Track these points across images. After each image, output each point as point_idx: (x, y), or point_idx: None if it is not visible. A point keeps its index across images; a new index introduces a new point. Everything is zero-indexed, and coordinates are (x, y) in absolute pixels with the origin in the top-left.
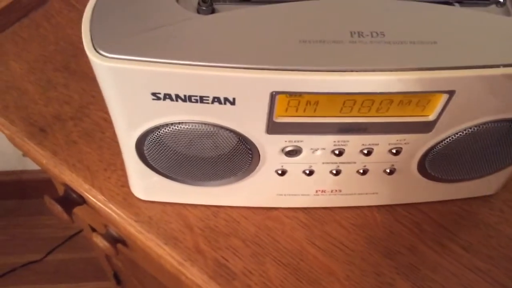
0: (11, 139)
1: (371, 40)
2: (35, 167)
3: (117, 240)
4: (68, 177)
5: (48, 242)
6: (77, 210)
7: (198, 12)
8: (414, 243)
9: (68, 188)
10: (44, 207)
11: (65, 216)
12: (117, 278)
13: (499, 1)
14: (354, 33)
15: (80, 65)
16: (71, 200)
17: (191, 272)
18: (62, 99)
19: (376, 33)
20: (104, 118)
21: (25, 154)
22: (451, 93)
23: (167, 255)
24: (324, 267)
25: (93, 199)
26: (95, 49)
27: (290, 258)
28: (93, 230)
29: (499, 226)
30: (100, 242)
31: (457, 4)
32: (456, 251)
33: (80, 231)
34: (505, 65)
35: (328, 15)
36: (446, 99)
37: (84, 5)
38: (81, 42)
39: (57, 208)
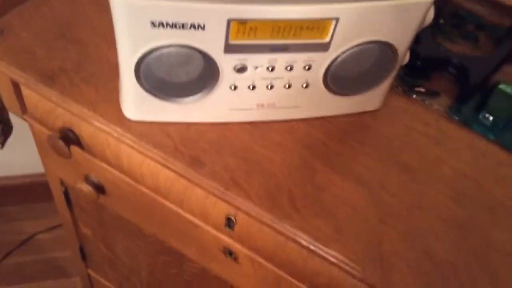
0: (26, 86)
1: None
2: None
3: (97, 187)
4: (75, 108)
5: (2, 247)
6: (58, 170)
7: None
8: (325, 141)
9: (65, 130)
10: (4, 214)
11: (65, 150)
12: (82, 252)
13: None
14: None
15: (74, 34)
16: (69, 139)
17: (174, 165)
18: (63, 57)
19: None
20: (98, 69)
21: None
22: (336, 19)
23: (156, 156)
24: (265, 157)
25: (96, 122)
26: None
27: (241, 152)
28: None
29: (381, 128)
30: (85, 187)
31: None
32: (352, 144)
33: (34, 235)
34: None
35: None
36: (334, 24)
37: None
38: (72, 18)
39: (60, 144)
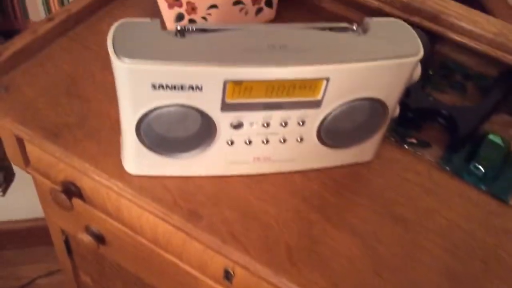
0: (30, 142)
1: (280, 49)
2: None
3: (97, 237)
4: (77, 164)
5: None
6: (58, 220)
7: (176, 36)
8: (321, 193)
9: (67, 184)
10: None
11: (67, 203)
12: None
13: (353, 29)
14: (270, 46)
15: (78, 90)
16: (71, 192)
17: (173, 219)
18: (67, 113)
19: (283, 45)
20: (100, 124)
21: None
22: (327, 79)
23: (155, 210)
24: (262, 210)
25: (97, 177)
26: (117, 56)
27: (239, 205)
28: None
29: (374, 179)
30: (85, 237)
31: (327, 30)
32: (347, 195)
33: (33, 280)
34: (356, 61)
35: (254, 36)
36: (325, 84)
37: (75, 50)
38: (76, 74)
39: (62, 197)
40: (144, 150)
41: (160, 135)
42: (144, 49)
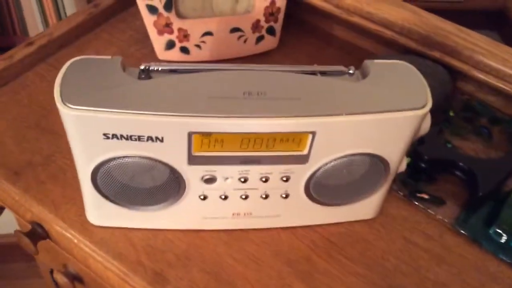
0: None
1: (257, 97)
2: (3, 231)
3: (75, 277)
4: (36, 209)
5: None
6: (40, 254)
7: (139, 78)
8: (309, 255)
9: (34, 224)
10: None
11: (31, 247)
12: None
13: (350, 73)
14: (245, 92)
15: (49, 123)
16: (37, 234)
17: (134, 280)
18: (33, 150)
19: (261, 92)
20: (67, 164)
21: None
22: (313, 133)
23: (115, 268)
24: (239, 273)
25: (56, 226)
26: (63, 102)
27: (212, 267)
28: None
29: (375, 242)
30: (60, 278)
31: (319, 74)
32: (341, 260)
33: None
34: (347, 113)
35: (228, 80)
36: (311, 138)
37: (53, 77)
38: (50, 105)
39: (25, 240)
40: (102, 200)
41: (124, 185)
42: (97, 93)
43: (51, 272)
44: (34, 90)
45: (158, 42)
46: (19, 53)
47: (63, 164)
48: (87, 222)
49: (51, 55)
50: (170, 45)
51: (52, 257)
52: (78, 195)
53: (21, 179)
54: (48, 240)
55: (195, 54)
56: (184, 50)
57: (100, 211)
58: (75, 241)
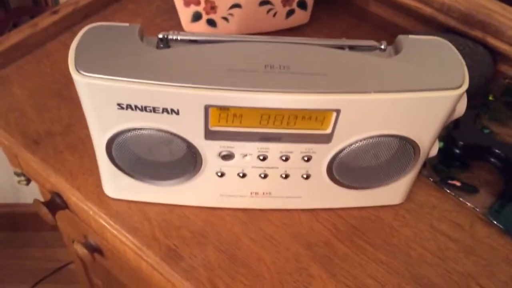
0: (9, 149)
1: (279, 71)
2: (27, 200)
3: (95, 249)
4: (53, 179)
5: (36, 274)
6: (60, 222)
7: (157, 47)
8: (329, 239)
9: (54, 194)
10: (33, 239)
11: (49, 217)
12: None
13: (381, 48)
14: (267, 65)
15: (71, 93)
16: (55, 205)
17: (148, 255)
18: (53, 119)
19: (283, 66)
20: (86, 134)
21: (17, 168)
22: (337, 111)
23: (129, 242)
24: (255, 254)
25: (72, 197)
26: (76, 68)
27: (228, 246)
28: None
29: (400, 229)
30: (80, 249)
31: (347, 49)
32: (363, 246)
33: (67, 264)
34: (375, 91)
35: (250, 53)
36: (335, 116)
37: None
38: (70, 74)
39: (44, 210)
40: (118, 173)
41: (140, 158)
42: (111, 61)
43: (73, 242)
44: (57, 59)
45: (184, 13)
46: (44, 21)
47: (83, 134)
48: (103, 194)
49: (76, 24)
50: (196, 16)
51: (73, 227)
52: (96, 167)
53: (40, 148)
54: (67, 210)
55: (222, 27)
56: (211, 22)
57: (116, 184)
58: (91, 213)
